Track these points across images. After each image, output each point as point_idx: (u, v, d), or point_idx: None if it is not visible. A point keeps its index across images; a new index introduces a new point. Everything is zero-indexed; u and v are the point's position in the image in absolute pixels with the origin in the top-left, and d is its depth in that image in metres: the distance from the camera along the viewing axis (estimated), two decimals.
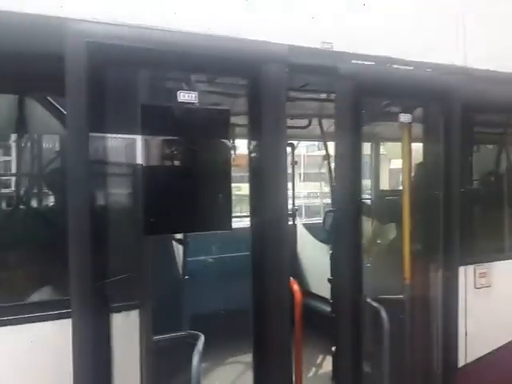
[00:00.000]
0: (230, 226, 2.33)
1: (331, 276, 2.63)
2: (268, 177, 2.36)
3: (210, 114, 2.35)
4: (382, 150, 7.69)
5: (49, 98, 2.18)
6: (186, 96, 2.13)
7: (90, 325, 1.91)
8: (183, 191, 2.20)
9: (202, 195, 2.24)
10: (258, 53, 2.34)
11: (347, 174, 2.60)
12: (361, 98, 2.62)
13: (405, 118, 2.96)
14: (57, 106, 2.16)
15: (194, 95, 2.14)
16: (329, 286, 3.63)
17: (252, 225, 2.42)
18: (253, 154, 2.39)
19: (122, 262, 2.15)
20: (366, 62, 2.70)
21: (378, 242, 4.13)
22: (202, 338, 2.50)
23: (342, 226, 2.64)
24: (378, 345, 3.07)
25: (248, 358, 3.45)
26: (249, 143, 2.42)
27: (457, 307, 3.00)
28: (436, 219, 2.95)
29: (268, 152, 2.36)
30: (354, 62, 2.65)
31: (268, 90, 2.33)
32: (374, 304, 3.08)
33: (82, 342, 1.89)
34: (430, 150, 3.00)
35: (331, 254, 2.64)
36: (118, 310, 2.07)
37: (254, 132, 2.38)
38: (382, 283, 3.53)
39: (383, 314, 3.04)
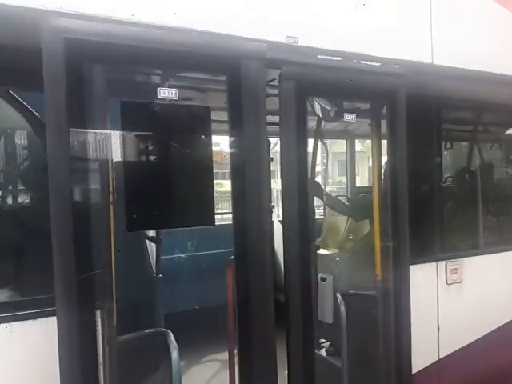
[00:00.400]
0: (213, 221, 2.37)
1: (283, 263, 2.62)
2: (249, 172, 2.36)
3: (191, 111, 2.38)
4: (361, 147, 7.77)
5: (11, 91, 2.11)
6: (165, 93, 2.13)
7: (74, 322, 1.92)
8: (165, 187, 2.22)
9: (184, 191, 2.27)
10: (237, 48, 2.34)
11: (293, 174, 2.57)
12: (304, 98, 2.62)
13: (349, 117, 2.95)
14: (20, 99, 2.10)
15: (173, 92, 2.14)
16: None
17: (234, 221, 2.42)
18: (233, 150, 2.38)
19: (84, 261, 2.06)
20: (333, 58, 2.70)
21: (351, 238, 4.15)
22: (171, 334, 2.48)
23: (291, 221, 2.61)
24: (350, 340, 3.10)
25: (224, 356, 3.48)
26: (230, 139, 2.42)
27: (408, 306, 3.00)
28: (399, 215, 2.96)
29: (249, 148, 2.37)
30: (319, 57, 2.65)
31: (247, 85, 2.33)
32: (339, 298, 3.10)
33: (68, 338, 1.91)
34: (391, 148, 2.99)
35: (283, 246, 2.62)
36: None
37: (235, 128, 2.37)
38: (355, 279, 3.56)
39: (342, 308, 3.08)
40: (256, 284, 2.40)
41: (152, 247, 3.50)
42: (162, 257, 3.54)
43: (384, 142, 3.10)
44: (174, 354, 2.33)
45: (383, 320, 3.06)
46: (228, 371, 3.32)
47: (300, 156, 2.62)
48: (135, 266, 3.15)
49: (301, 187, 2.61)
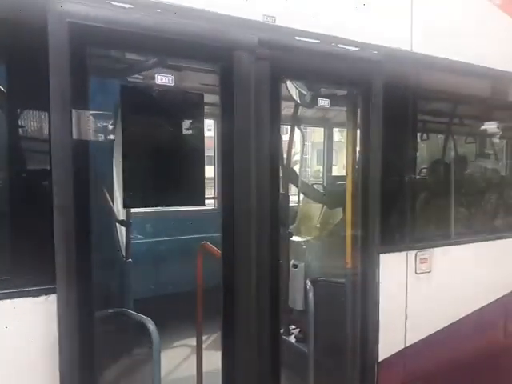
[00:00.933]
0: (203, 201, 2.56)
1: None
2: (238, 157, 2.46)
3: (185, 96, 2.54)
4: (340, 136, 7.76)
5: None
6: (163, 79, 2.25)
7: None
8: (160, 168, 2.37)
9: (178, 172, 2.40)
10: (229, 40, 2.40)
11: (266, 160, 2.55)
12: (279, 81, 2.61)
13: (323, 102, 2.94)
14: None
15: (170, 78, 2.27)
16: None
17: (223, 204, 2.54)
18: (223, 138, 2.49)
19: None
20: (310, 40, 2.65)
21: (324, 225, 4.16)
22: (134, 314, 2.56)
23: (263, 208, 2.61)
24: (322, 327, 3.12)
25: (192, 341, 3.47)
26: (221, 128, 2.50)
27: (376, 295, 3.04)
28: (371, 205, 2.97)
29: (239, 134, 2.46)
30: (297, 38, 2.59)
31: (238, 75, 2.41)
32: (308, 285, 3.10)
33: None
34: (364, 137, 2.97)
35: None
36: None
37: (225, 117, 2.45)
38: (326, 266, 3.57)
39: (311, 294, 3.10)
40: (243, 268, 2.49)
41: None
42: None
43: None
44: (151, 327, 2.43)
45: (351, 308, 3.09)
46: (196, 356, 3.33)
47: (274, 142, 2.59)
48: (105, 250, 3.10)
49: (273, 174, 2.60)
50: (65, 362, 2.01)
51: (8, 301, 1.91)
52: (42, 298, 1.98)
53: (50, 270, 1.97)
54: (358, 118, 3.02)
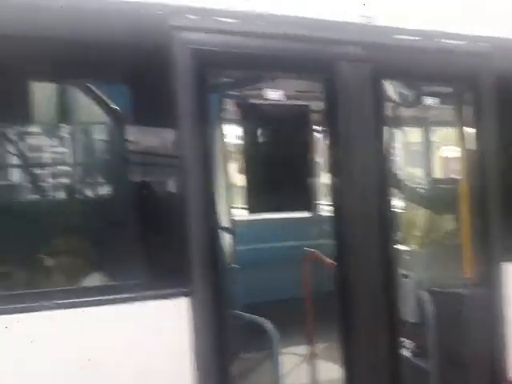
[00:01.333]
0: (314, 208, 2.85)
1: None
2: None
3: (293, 109, 2.68)
4: (435, 137, 7.32)
5: (89, 85, 2.25)
6: (273, 94, 2.38)
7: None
8: (279, 178, 2.61)
9: (293, 182, 2.63)
10: (330, 47, 2.41)
11: (374, 166, 2.49)
12: (381, 83, 2.55)
13: (431, 101, 2.87)
14: (98, 93, 2.25)
15: (280, 93, 2.39)
16: None
17: (336, 212, 2.50)
18: (330, 146, 2.49)
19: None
20: (410, 37, 2.55)
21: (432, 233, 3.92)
22: (250, 316, 2.65)
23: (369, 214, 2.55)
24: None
25: (300, 349, 3.44)
26: (328, 136, 2.51)
27: (500, 307, 2.79)
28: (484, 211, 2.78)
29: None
30: (395, 37, 2.51)
31: (341, 81, 2.40)
32: (425, 296, 2.98)
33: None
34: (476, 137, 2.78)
35: None
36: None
37: (331, 124, 2.45)
38: (438, 276, 3.35)
39: (428, 306, 2.95)
40: (357, 278, 2.46)
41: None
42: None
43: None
44: (269, 326, 2.46)
45: (472, 321, 2.86)
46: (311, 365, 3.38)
47: (380, 146, 2.52)
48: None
49: (381, 180, 2.53)
50: (201, 364, 2.07)
51: (140, 303, 1.99)
52: (174, 301, 2.05)
53: (182, 273, 2.05)
54: (468, 115, 2.81)
